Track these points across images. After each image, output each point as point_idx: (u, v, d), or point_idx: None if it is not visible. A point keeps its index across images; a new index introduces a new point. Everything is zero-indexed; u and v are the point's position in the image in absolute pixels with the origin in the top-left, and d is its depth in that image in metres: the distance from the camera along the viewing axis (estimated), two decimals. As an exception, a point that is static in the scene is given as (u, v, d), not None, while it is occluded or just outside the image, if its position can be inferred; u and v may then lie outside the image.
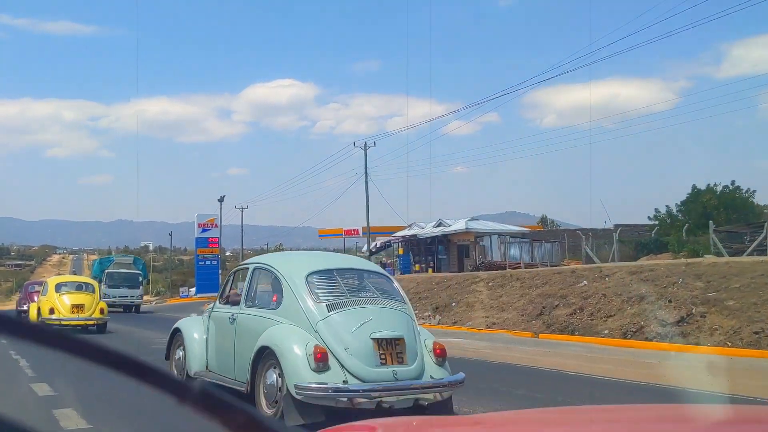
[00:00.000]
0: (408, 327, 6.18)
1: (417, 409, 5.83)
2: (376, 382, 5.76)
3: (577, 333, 15.40)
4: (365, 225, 48.44)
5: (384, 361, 5.87)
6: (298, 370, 5.74)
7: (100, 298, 18.39)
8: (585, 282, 18.10)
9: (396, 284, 6.88)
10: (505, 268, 28.40)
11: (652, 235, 33.37)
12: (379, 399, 5.70)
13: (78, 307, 17.02)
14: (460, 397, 6.70)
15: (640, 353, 12.35)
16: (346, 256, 9.77)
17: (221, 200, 52.75)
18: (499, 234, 34.99)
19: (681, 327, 13.66)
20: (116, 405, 6.79)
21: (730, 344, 12.39)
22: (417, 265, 37.53)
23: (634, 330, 14.34)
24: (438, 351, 6.21)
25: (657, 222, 37.94)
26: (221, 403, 0.58)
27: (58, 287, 17.64)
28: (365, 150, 41.03)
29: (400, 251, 39.85)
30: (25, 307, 21.63)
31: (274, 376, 6.00)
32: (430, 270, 35.62)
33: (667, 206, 38.63)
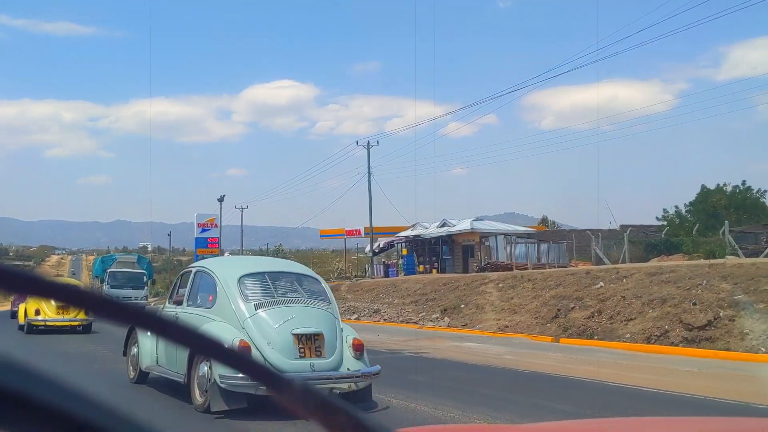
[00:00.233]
0: (329, 324, 6.91)
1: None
2: (293, 372, 6.37)
3: (596, 337, 14.69)
4: (367, 225, 47.80)
5: (303, 354, 6.62)
6: None
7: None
8: (601, 283, 17.39)
9: (324, 286, 7.60)
10: (511, 269, 27.70)
11: (662, 235, 32.72)
12: None
13: (63, 308, 16.95)
14: (503, 414, 6.40)
15: (673, 360, 11.64)
16: (281, 260, 10.58)
17: (221, 200, 52.02)
18: (505, 234, 34.27)
19: (709, 331, 12.95)
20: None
21: (764, 349, 11.69)
22: (421, 266, 36.80)
23: (658, 334, 13.62)
24: (356, 346, 6.97)
25: (665, 223, 37.31)
26: (322, 402, 0.56)
27: None
28: (368, 149, 40.34)
29: (404, 252, 39.11)
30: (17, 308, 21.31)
31: (206, 368, 6.65)
32: (434, 271, 34.92)
33: (675, 207, 38.08)
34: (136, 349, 8.34)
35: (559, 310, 17.05)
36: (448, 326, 19.11)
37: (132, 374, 8.40)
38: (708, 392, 8.16)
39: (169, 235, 79.13)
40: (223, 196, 52.02)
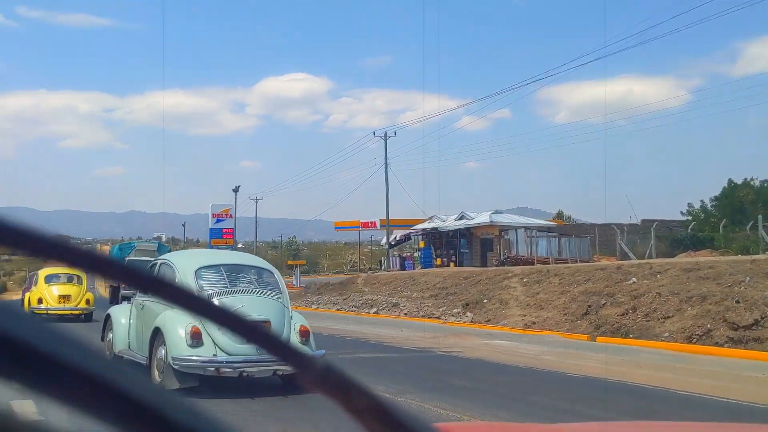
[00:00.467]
0: (277, 312, 7.51)
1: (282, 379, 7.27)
2: (241, 355, 6.94)
3: (632, 335, 13.94)
4: (382, 217, 47.09)
5: None
6: (176, 346, 7.10)
7: (87, 289, 19.18)
8: (634, 279, 16.62)
9: (278, 277, 8.20)
10: (533, 263, 26.96)
11: (689, 230, 31.78)
12: (241, 369, 7.03)
13: (65, 298, 17.91)
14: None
15: (724, 363, 10.86)
16: (239, 253, 11.29)
17: (236, 190, 51.48)
18: (526, 228, 33.46)
19: (756, 331, 12.17)
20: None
21: (819, 352, 10.91)
22: (438, 259, 36.07)
23: (699, 333, 12.84)
24: (302, 332, 7.64)
25: (690, 217, 36.31)
26: (345, 384, 0.57)
27: (48, 279, 18.35)
28: (385, 140, 39.60)
29: (421, 244, 38.39)
30: None
31: (163, 351, 7.28)
32: (452, 264, 34.19)
33: (701, 201, 37.05)
34: (111, 335, 9.04)
35: (589, 306, 16.30)
36: (472, 322, 18.41)
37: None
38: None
39: (183, 225, 78.98)
40: (238, 186, 51.51)
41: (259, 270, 8.20)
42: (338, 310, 24.15)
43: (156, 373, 7.33)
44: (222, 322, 0.56)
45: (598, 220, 35.65)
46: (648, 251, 25.94)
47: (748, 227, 28.42)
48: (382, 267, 43.73)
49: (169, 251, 36.23)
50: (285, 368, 6.62)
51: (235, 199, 50.80)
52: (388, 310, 22.43)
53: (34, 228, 0.48)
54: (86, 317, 18.10)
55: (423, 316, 20.41)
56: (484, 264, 32.42)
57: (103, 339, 9.30)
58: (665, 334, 13.43)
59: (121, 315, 9.00)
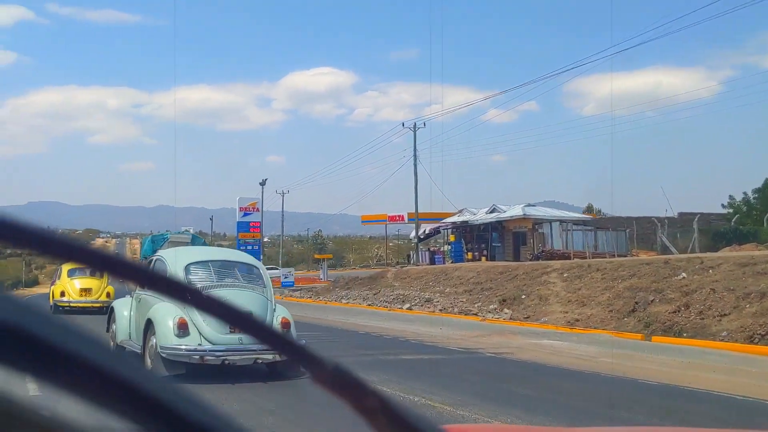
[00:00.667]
0: (260, 305, 7.99)
1: (269, 367, 7.92)
2: (224, 345, 7.56)
3: (685, 334, 13.12)
4: (409, 211, 46.39)
5: (233, 330, 6.97)
6: (165, 336, 7.68)
7: (108, 282, 19.66)
8: (684, 274, 15.76)
9: (262, 272, 8.72)
10: (569, 258, 26.07)
11: (732, 224, 30.57)
12: (224, 358, 7.61)
13: (86, 291, 18.48)
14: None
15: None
16: (227, 250, 12.04)
17: (263, 183, 51.26)
18: (561, 221, 32.51)
19: (826, 331, 11.30)
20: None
21: None
22: (469, 253, 35.30)
23: (762, 333, 12.00)
24: (283, 323, 8.06)
25: (732, 210, 35.02)
26: (354, 384, 0.59)
27: (71, 272, 18.76)
28: (414, 131, 38.89)
29: (452, 238, 37.62)
30: None
31: (154, 340, 7.85)
32: (483, 258, 33.39)
33: (744, 193, 35.67)
34: (114, 326, 9.52)
35: (636, 303, 15.49)
36: (510, 319, 17.70)
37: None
38: None
39: (211, 219, 79.20)
40: (265, 179, 51.27)
41: (245, 265, 8.78)
42: (369, 305, 23.59)
43: (148, 361, 7.86)
44: (237, 323, 0.57)
45: (629, 214, 34.56)
46: (691, 245, 24.89)
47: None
48: (411, 261, 43.09)
49: (204, 243, 35.38)
50: (266, 357, 7.67)
51: (262, 192, 50.59)
52: (422, 305, 21.80)
53: (24, 223, 0.48)
54: (107, 310, 18.82)
55: (459, 313, 19.74)
56: (516, 258, 31.56)
57: (108, 330, 9.78)
58: (723, 334, 12.60)
59: (123, 308, 9.49)
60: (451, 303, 21.16)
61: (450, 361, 10.11)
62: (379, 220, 53.18)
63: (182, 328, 7.60)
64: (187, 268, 8.17)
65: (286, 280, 36.65)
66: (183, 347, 7.57)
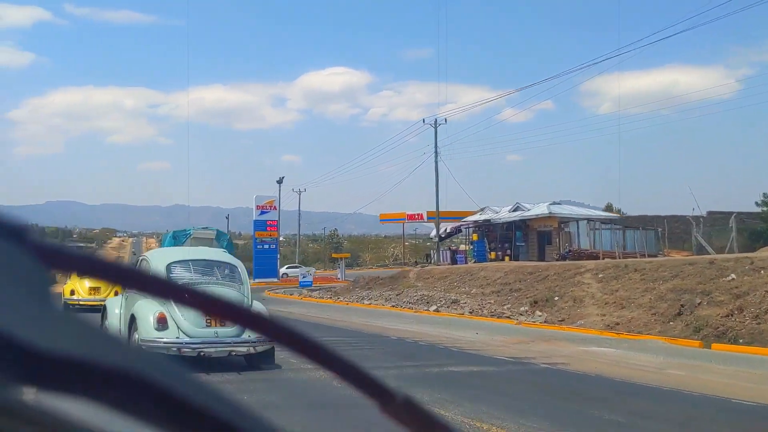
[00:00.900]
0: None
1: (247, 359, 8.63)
2: (200, 338, 8.27)
3: (741, 340, 12.14)
4: (428, 210, 45.52)
5: (209, 324, 8.18)
6: (145, 329, 8.32)
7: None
8: (733, 276, 14.76)
9: (240, 271, 9.32)
10: (597, 258, 25.10)
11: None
12: (199, 350, 8.24)
13: (95, 290, 18.36)
14: None
15: None
16: (208, 249, 12.17)
17: (280, 182, 50.70)
18: (588, 219, 31.48)
19: None
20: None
21: None
22: (492, 253, 34.37)
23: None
24: None
25: (766, 208, 33.73)
26: (425, 419, 0.56)
27: None
28: (435, 127, 38.07)
29: (474, 237, 36.67)
30: None
31: (136, 335, 8.35)
32: (506, 258, 32.46)
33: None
34: (106, 323, 9.78)
35: (682, 305, 14.53)
36: (545, 322, 16.78)
37: None
38: None
39: (227, 218, 78.74)
40: (282, 178, 50.70)
41: (223, 264, 9.35)
42: (393, 306, 22.75)
43: None
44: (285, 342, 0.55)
45: (651, 213, 33.32)
46: (729, 245, 23.83)
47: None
48: (430, 261, 42.17)
49: (229, 239, 34.24)
50: (240, 350, 8.41)
51: (279, 190, 50.03)
52: (448, 307, 20.93)
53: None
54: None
55: (489, 315, 18.85)
56: (541, 258, 30.62)
57: (101, 326, 9.99)
58: (785, 340, 11.62)
59: (114, 305, 9.95)
60: (479, 304, 20.27)
61: (504, 375, 9.19)
62: (398, 219, 52.35)
63: (161, 322, 8.23)
64: (168, 267, 8.77)
65: (304, 280, 35.81)
66: (162, 340, 8.16)
